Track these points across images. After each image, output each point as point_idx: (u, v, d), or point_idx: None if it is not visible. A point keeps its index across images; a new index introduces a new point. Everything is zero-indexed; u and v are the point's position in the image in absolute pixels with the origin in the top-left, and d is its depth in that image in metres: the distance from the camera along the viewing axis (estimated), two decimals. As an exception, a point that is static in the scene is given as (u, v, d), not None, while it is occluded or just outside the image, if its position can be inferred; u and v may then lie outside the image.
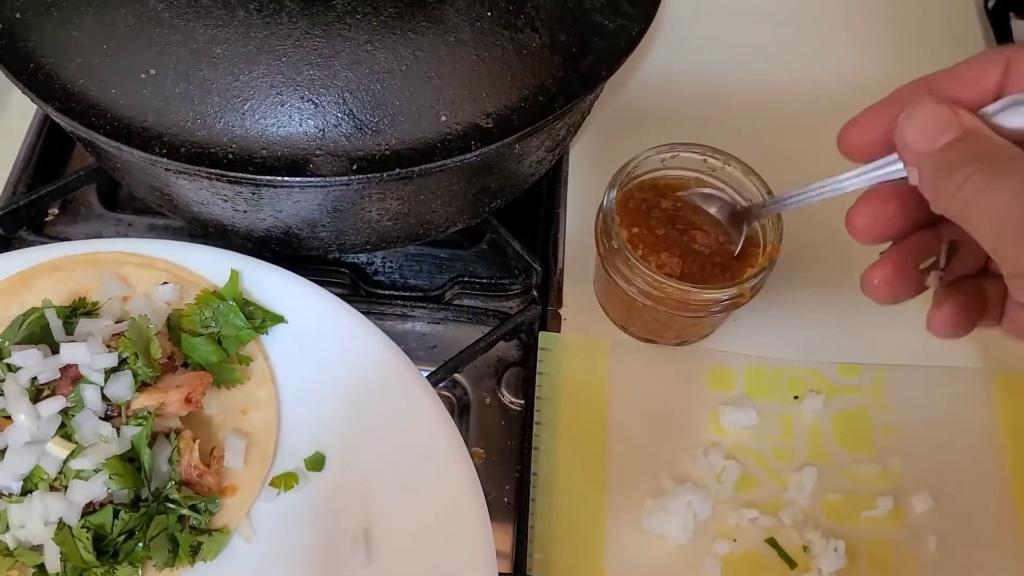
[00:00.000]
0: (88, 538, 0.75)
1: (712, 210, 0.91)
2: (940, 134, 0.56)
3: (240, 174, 0.75)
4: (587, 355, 0.99)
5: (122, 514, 0.76)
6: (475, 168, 0.86)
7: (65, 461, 0.76)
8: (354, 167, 0.77)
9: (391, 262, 1.05)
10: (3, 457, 0.75)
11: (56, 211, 1.06)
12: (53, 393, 0.78)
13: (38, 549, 0.76)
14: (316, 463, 0.85)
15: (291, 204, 0.83)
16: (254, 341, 0.89)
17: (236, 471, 0.83)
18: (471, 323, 1.02)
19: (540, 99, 0.82)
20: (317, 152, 0.77)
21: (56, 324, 0.82)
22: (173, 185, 0.84)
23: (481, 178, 0.88)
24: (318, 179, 0.76)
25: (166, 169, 0.77)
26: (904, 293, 0.66)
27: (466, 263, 1.06)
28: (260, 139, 0.76)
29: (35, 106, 1.07)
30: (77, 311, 0.85)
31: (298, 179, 0.76)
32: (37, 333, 0.82)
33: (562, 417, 0.95)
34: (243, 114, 0.76)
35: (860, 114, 0.64)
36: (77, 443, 0.76)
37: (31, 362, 0.78)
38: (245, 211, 0.84)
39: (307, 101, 0.76)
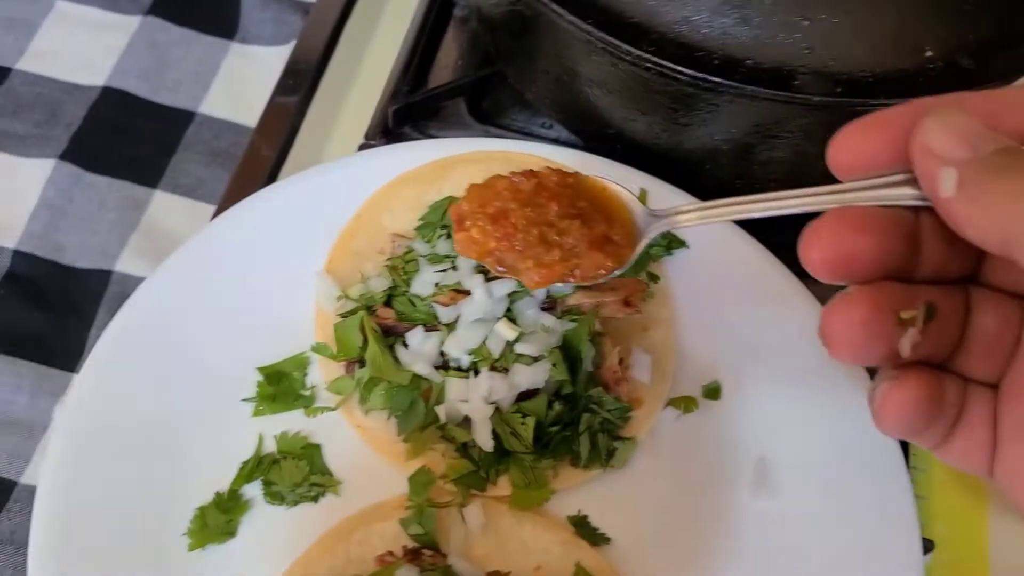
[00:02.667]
0: (525, 423, 0.75)
1: None
2: (981, 141, 0.43)
3: (725, 81, 0.74)
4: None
5: (556, 405, 0.76)
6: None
7: (510, 344, 0.75)
8: (838, 90, 0.74)
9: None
10: (455, 329, 0.76)
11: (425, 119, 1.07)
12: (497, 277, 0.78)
13: (464, 427, 0.77)
14: (713, 391, 0.84)
15: (740, 121, 0.81)
16: (657, 261, 0.87)
17: (640, 385, 0.82)
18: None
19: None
20: (802, 69, 0.75)
21: (484, 213, 0.83)
22: (613, 90, 0.83)
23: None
24: (802, 96, 0.74)
25: (646, 68, 0.76)
26: (874, 350, 0.48)
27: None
28: (747, 49, 0.75)
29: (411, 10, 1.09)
30: (498, 204, 0.85)
31: (784, 93, 0.74)
32: (465, 219, 0.83)
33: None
34: (735, 21, 0.75)
35: (867, 117, 0.50)
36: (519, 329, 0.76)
37: None
38: (685, 125, 0.83)
39: (803, 18, 0.74)
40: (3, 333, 0.98)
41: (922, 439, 0.50)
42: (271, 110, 1.03)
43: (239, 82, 1.18)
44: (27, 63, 1.17)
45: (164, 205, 1.08)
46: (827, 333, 0.49)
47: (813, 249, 0.50)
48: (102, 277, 1.03)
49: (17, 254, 1.03)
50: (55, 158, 1.09)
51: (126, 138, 1.13)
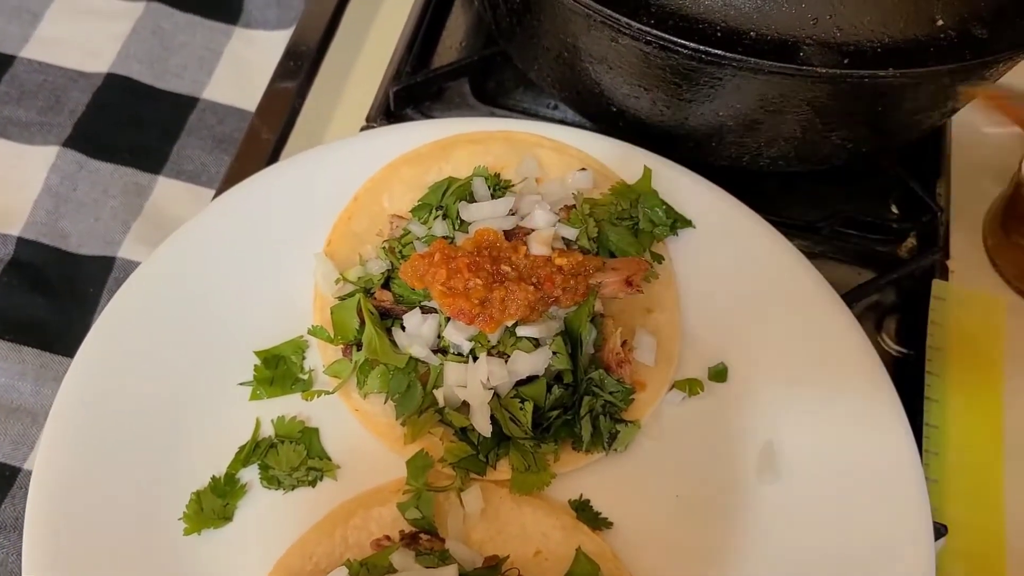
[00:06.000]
0: (522, 408, 0.73)
1: None
2: None
3: (728, 53, 0.72)
4: (982, 313, 0.93)
5: (555, 389, 0.75)
6: (932, 89, 0.80)
7: (510, 328, 0.74)
8: (844, 61, 0.72)
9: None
10: (456, 313, 0.74)
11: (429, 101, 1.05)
12: (496, 259, 0.77)
13: (462, 411, 0.75)
14: (719, 374, 0.82)
15: (745, 96, 0.79)
16: (661, 241, 0.86)
17: (644, 368, 0.80)
18: (847, 263, 0.97)
19: (1036, 17, 0.75)
20: (807, 40, 0.73)
21: (484, 193, 0.81)
22: (614, 66, 0.81)
23: (925, 99, 0.83)
24: (807, 68, 0.72)
25: (646, 42, 0.74)
26: None
27: (838, 201, 1.01)
28: (750, 20, 0.73)
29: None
30: (499, 186, 0.84)
31: (789, 66, 0.72)
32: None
33: (953, 370, 0.89)
34: (737, -8, 0.73)
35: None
36: (516, 313, 0.75)
37: (485, 213, 0.77)
38: (689, 101, 0.81)
39: (807, -14, 0.72)
40: (7, 320, 0.98)
41: None
42: (271, 93, 1.02)
43: (243, 67, 1.17)
44: (31, 51, 1.17)
45: (167, 191, 1.08)
46: None
47: None
48: (105, 263, 1.02)
49: (21, 241, 1.03)
50: (59, 145, 1.09)
51: (130, 124, 1.12)
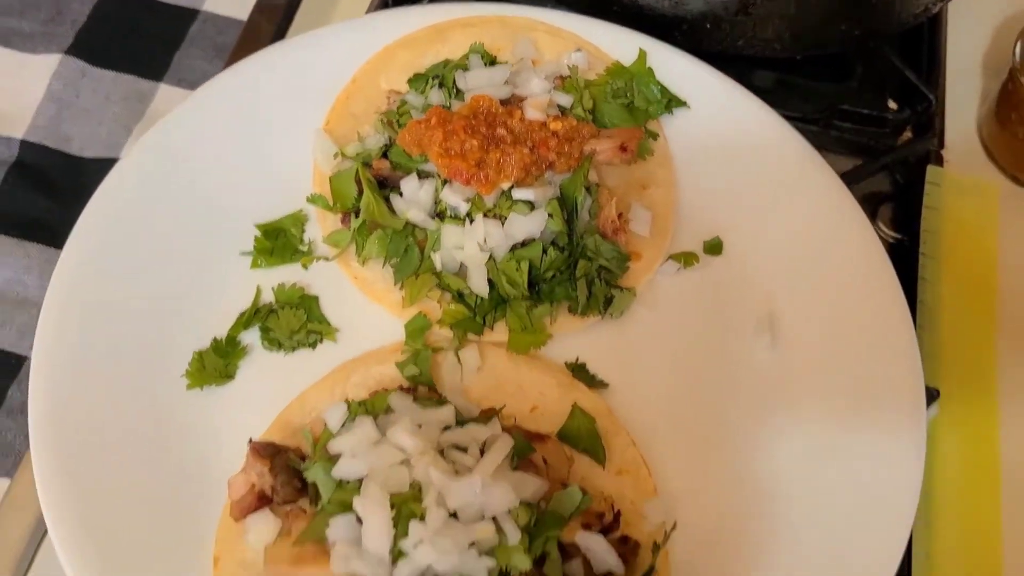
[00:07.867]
0: (518, 269, 0.74)
1: None
2: None
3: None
4: (976, 199, 0.93)
5: (550, 251, 0.75)
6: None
7: (506, 192, 0.75)
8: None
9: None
10: (450, 175, 0.75)
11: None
12: (491, 125, 0.77)
13: (460, 274, 0.77)
14: (714, 247, 0.83)
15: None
16: (656, 120, 0.86)
17: (639, 239, 0.81)
18: (843, 154, 0.97)
19: None
20: (800, -98, 0.73)
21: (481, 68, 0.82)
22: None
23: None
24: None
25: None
26: None
27: (835, 95, 1.01)
28: None
29: None
30: (495, 65, 0.85)
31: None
32: (461, 78, 0.82)
33: (946, 253, 0.90)
34: None
35: None
36: (513, 176, 0.76)
37: (482, 81, 0.78)
38: (684, -23, 0.81)
39: None
40: (13, 218, 1.00)
41: None
42: (270, -12, 1.02)
43: (243, -22, 1.18)
44: (33, -37, 1.18)
45: (169, 97, 1.09)
46: None
47: None
48: (108, 165, 1.02)
49: (25, 144, 1.04)
50: (61, 53, 1.10)
51: (131, 34, 1.14)
